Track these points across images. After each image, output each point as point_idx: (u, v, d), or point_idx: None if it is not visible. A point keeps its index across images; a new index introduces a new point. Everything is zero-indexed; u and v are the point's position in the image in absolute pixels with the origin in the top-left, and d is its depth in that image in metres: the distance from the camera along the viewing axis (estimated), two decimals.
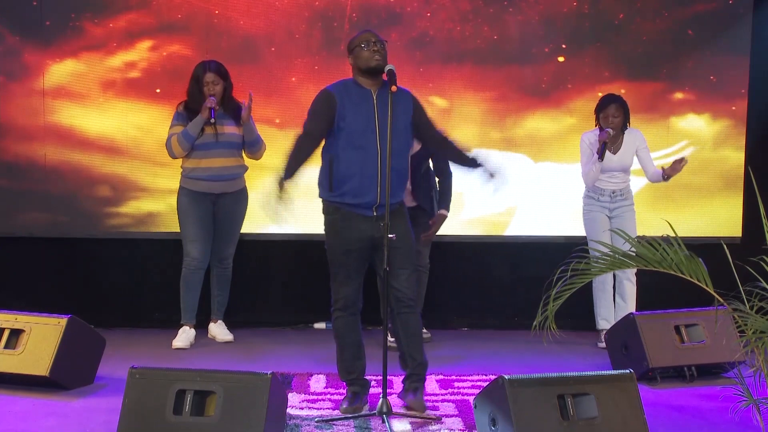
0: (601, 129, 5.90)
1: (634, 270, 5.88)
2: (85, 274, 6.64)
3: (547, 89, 6.55)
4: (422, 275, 5.83)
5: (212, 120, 5.65)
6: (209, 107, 5.64)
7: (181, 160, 5.83)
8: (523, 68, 6.57)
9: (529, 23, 6.55)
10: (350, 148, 4.22)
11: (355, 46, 4.28)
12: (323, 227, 4.38)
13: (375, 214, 4.24)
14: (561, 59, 6.57)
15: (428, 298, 6.06)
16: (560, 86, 6.55)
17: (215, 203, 5.87)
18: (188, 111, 5.75)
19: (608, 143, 5.84)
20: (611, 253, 3.58)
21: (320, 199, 4.39)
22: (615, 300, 6.06)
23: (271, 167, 6.18)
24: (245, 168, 5.94)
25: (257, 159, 5.94)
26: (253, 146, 5.85)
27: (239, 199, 5.96)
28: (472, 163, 4.45)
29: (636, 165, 6.03)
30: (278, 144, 6.31)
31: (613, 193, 5.98)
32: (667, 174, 5.82)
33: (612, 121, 5.87)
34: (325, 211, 4.37)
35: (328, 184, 4.29)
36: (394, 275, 4.26)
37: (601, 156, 5.81)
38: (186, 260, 5.88)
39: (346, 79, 4.35)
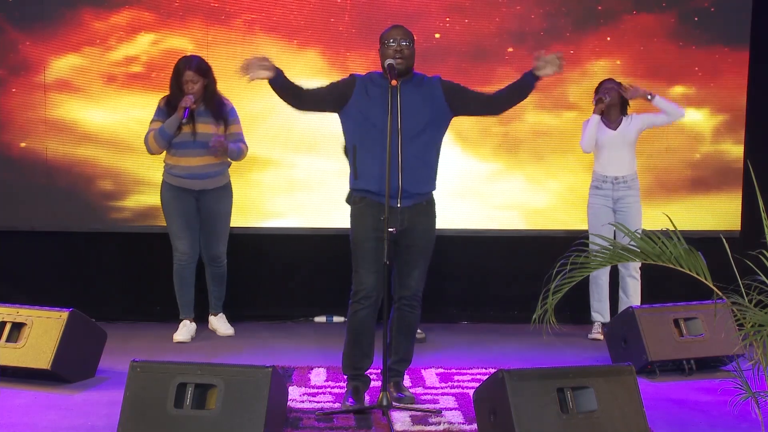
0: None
1: (638, 266, 5.90)
2: (86, 267, 6.65)
3: (546, 83, 6.51)
4: None
5: (183, 120, 5.57)
6: (184, 107, 5.57)
7: (164, 154, 5.79)
8: (521, 62, 6.56)
9: (526, 17, 6.54)
10: (369, 136, 4.22)
11: (381, 40, 4.29)
12: (349, 220, 4.37)
13: (399, 205, 4.19)
14: (559, 53, 6.56)
15: (427, 291, 6.04)
16: (559, 80, 6.52)
17: (198, 199, 5.81)
18: (169, 107, 5.70)
19: (605, 102, 5.85)
20: (610, 247, 3.59)
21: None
22: (619, 296, 6.03)
23: (263, 161, 6.21)
24: (227, 164, 5.85)
25: (239, 161, 5.89)
26: (235, 158, 5.80)
27: (222, 195, 5.86)
28: (523, 91, 4.45)
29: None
30: (274, 136, 6.35)
31: (615, 179, 5.95)
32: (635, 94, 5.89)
33: (607, 94, 5.89)
34: (351, 202, 4.39)
35: (353, 172, 4.29)
36: (405, 272, 4.32)
37: (598, 105, 5.84)
38: (176, 255, 5.85)
39: (377, 71, 4.34)
